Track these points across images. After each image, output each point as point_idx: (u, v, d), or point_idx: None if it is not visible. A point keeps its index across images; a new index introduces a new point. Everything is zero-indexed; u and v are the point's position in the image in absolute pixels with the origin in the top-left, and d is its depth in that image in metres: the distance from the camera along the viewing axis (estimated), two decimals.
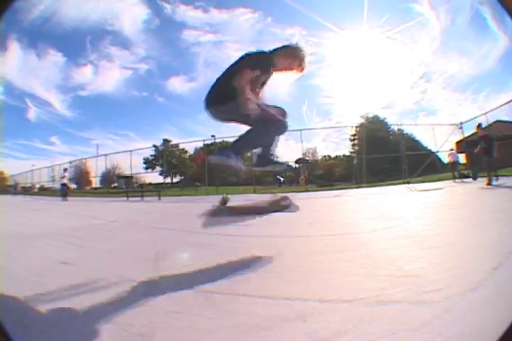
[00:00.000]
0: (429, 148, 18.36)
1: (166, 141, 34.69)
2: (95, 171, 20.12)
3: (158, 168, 30.42)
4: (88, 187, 23.24)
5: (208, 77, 50.33)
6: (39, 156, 55.17)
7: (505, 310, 0.92)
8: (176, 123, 59.94)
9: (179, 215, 5.01)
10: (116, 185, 22.08)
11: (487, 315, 0.93)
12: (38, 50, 52.60)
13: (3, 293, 1.29)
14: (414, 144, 19.38)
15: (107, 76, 56.07)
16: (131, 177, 20.43)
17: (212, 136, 15.92)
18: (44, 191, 22.49)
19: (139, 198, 9.66)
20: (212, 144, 20.16)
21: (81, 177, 22.42)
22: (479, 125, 8.01)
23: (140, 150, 20.16)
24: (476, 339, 0.83)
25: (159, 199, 9.24)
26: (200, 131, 56.10)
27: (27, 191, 22.72)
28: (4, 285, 1.40)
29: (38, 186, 23.79)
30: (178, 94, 48.63)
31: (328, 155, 35.07)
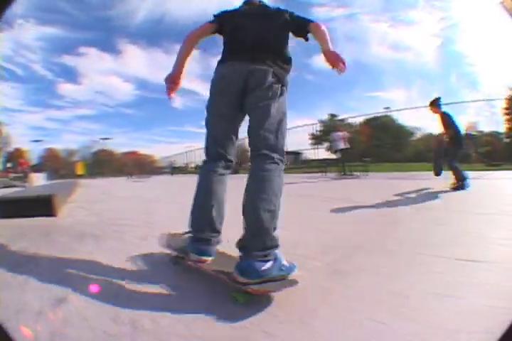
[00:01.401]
0: None
1: (332, 116, 34.08)
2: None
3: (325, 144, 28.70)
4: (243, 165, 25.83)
5: (349, 52, 48.16)
6: (192, 139, 62.26)
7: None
8: (333, 98, 60.65)
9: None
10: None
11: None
12: (163, 48, 60.49)
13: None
14: None
15: None
16: (299, 153, 20.96)
17: (387, 107, 14.80)
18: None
19: (320, 174, 10.02)
20: (374, 119, 18.57)
21: (241, 155, 24.88)
22: (435, 101, 4.42)
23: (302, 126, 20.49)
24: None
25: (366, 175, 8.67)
26: (356, 107, 56.33)
27: (181, 170, 25.75)
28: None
29: (192, 165, 28.09)
30: (322, 70, 45.91)
31: (481, 131, 28.09)
